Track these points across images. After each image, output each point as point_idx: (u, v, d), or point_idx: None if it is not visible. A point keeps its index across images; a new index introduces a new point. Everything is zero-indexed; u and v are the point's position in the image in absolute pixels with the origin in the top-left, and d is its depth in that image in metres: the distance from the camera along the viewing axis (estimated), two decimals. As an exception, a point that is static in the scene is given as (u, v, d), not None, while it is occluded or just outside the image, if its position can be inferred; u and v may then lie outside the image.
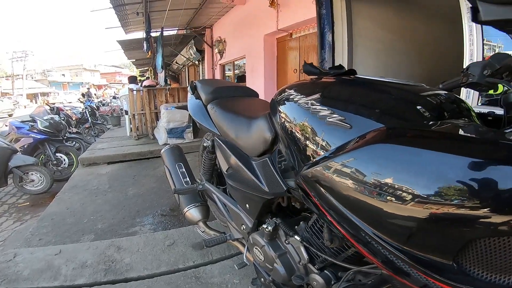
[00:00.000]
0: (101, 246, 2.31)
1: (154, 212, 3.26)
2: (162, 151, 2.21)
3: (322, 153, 0.83)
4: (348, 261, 0.97)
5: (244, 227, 1.46)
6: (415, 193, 0.60)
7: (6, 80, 39.17)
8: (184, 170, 2.02)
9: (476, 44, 1.94)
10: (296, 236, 1.12)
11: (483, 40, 1.95)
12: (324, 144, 0.83)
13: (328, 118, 0.83)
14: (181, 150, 2.23)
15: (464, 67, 1.96)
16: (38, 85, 41.35)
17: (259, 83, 6.18)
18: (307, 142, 0.89)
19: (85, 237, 2.78)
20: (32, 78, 44.32)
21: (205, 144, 1.86)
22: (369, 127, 0.74)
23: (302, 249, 1.10)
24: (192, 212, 1.85)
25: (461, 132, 0.68)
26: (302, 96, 0.97)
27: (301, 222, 1.18)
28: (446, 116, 0.75)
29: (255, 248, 1.29)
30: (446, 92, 0.83)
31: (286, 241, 1.17)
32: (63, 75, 49.37)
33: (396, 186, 0.62)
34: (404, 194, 0.61)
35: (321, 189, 0.80)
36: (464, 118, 0.77)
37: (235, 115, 1.49)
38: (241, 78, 7.75)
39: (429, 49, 3.49)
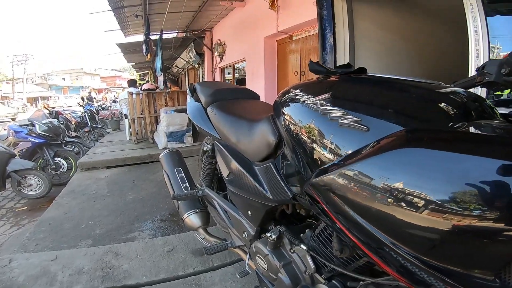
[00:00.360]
0: (99, 252, 2.26)
1: (153, 217, 3.21)
2: (160, 155, 2.16)
3: (335, 158, 0.76)
4: (358, 271, 0.92)
5: (246, 235, 1.40)
6: (451, 202, 0.53)
7: (6, 84, 39.27)
8: (183, 175, 1.97)
9: (482, 44, 1.90)
10: (302, 245, 1.06)
11: (489, 40, 1.90)
12: (336, 148, 0.77)
13: (341, 120, 0.76)
14: (180, 155, 2.18)
15: (470, 67, 1.93)
16: (38, 89, 41.49)
17: (260, 86, 6.14)
18: (316, 146, 0.82)
19: (82, 242, 2.73)
20: (33, 81, 44.44)
21: (204, 149, 1.81)
22: (389, 130, 0.68)
23: (308, 258, 1.04)
24: (192, 219, 1.80)
25: (496, 133, 0.62)
26: (309, 96, 0.90)
27: (306, 230, 1.12)
28: (473, 116, 0.69)
29: (258, 256, 1.23)
30: (465, 90, 0.78)
31: (291, 250, 1.11)
32: (63, 79, 49.49)
33: (425, 196, 0.55)
34: (437, 203, 0.54)
35: (335, 198, 0.72)
36: (499, 119, 0.71)
37: (235, 118, 1.43)
38: (241, 81, 7.72)
39: (431, 50, 3.45)
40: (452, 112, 0.68)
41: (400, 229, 0.60)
